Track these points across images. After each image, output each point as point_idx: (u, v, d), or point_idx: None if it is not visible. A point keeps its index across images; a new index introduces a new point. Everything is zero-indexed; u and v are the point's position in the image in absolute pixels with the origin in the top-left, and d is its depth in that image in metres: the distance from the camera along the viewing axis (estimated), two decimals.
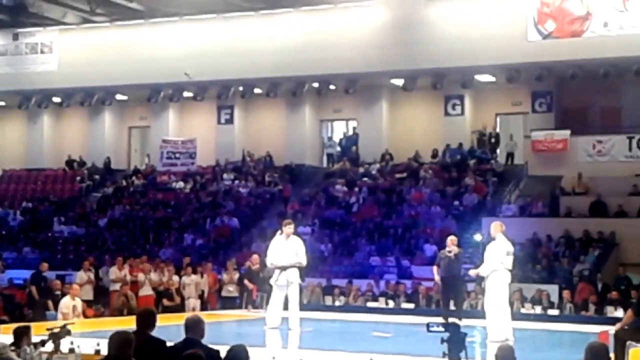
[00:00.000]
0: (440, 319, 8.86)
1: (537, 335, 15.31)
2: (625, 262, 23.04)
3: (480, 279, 16.44)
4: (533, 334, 14.85)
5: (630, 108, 28.58)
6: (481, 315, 15.80)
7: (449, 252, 17.94)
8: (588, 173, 26.78)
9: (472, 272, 15.36)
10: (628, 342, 9.75)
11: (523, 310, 19.50)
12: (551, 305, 20.38)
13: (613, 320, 13.83)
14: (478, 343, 14.19)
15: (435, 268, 18.56)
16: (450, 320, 11.75)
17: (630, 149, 26.93)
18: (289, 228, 16.02)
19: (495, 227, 14.72)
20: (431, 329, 7.35)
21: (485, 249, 15.22)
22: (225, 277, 22.38)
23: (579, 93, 29.03)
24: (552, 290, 21.20)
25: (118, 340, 7.48)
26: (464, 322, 16.23)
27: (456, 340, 7.21)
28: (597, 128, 28.83)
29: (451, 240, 18.26)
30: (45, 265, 21.94)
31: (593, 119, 29.51)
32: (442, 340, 7.23)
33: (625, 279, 21.94)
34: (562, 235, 24.40)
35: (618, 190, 25.78)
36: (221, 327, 16.64)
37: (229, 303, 21.86)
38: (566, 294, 20.72)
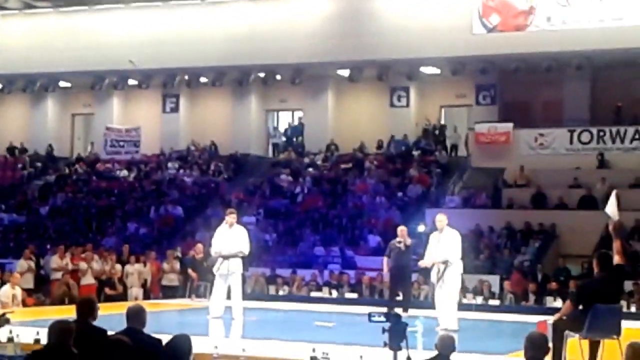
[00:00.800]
0: (382, 309, 8.93)
1: (478, 325, 15.49)
2: (565, 254, 23.38)
3: (425, 270, 16.55)
4: (474, 324, 15.03)
5: (571, 102, 29.00)
6: (425, 305, 15.99)
7: (399, 242, 18.07)
8: (530, 165, 27.13)
9: (436, 261, 15.01)
10: (566, 332, 9.91)
11: (465, 301, 19.67)
12: (492, 295, 20.63)
13: (552, 311, 14.05)
14: (420, 333, 14.33)
15: (385, 259, 18.69)
16: (394, 310, 11.86)
17: (571, 142, 27.36)
18: (231, 217, 16.04)
19: (445, 218, 14.91)
20: (372, 318, 7.39)
21: (428, 240, 15.38)
22: (166, 266, 22.28)
23: (522, 86, 29.38)
24: (494, 280, 21.46)
25: (58, 330, 7.41)
26: (410, 313, 16.44)
27: (397, 330, 7.26)
28: (540, 121, 29.22)
29: (401, 230, 18.41)
30: None
31: (535, 112, 29.90)
32: (384, 330, 7.28)
33: (565, 270, 22.29)
34: (504, 227, 24.70)
35: (559, 182, 26.16)
36: (164, 317, 16.57)
37: (170, 292, 21.78)
38: (507, 284, 20.99)
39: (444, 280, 14.68)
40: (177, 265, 22.19)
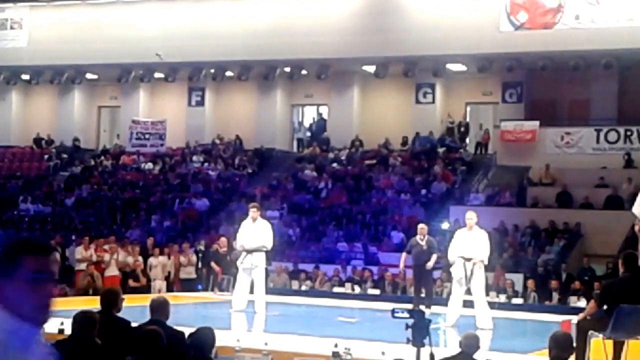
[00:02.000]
0: (405, 305, 8.91)
1: (501, 324, 15.43)
2: (589, 253, 23.25)
3: (447, 267, 16.55)
4: (497, 322, 14.97)
5: (598, 101, 28.81)
6: (446, 302, 15.94)
7: (420, 240, 18.05)
8: (556, 164, 26.98)
9: (465, 258, 15.01)
10: (590, 332, 9.85)
11: (487, 299, 19.62)
12: (515, 294, 20.54)
13: (576, 310, 13.98)
14: (443, 330, 14.30)
15: (403, 255, 18.68)
16: (420, 307, 11.81)
17: (597, 142, 27.20)
18: (253, 212, 16.07)
19: (475, 216, 14.85)
20: (396, 314, 7.36)
21: (452, 237, 15.34)
22: (183, 259, 22.36)
23: (548, 85, 29.20)
24: (517, 279, 21.38)
25: (82, 320, 7.45)
26: (434, 310, 16.42)
27: (420, 327, 7.22)
28: (566, 120, 29.05)
29: (421, 228, 18.38)
30: None
31: (562, 110, 29.72)
32: (407, 326, 7.25)
33: (589, 269, 22.16)
34: (529, 226, 24.58)
35: (585, 182, 25.99)
36: (187, 309, 16.63)
37: (187, 285, 21.86)
38: (530, 283, 20.90)
39: (475, 279, 14.62)
40: (194, 258, 22.28)
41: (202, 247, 23.05)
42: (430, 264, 17.95)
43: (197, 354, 7.25)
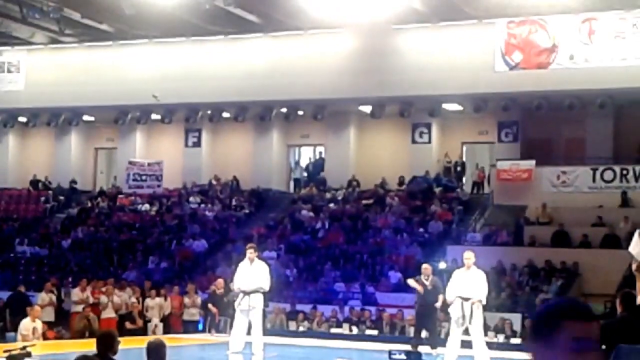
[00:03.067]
0: (403, 346, 8.89)
1: None
2: (587, 293, 23.18)
3: (446, 307, 16.48)
4: None
5: (594, 140, 28.90)
6: (444, 342, 15.86)
7: (425, 279, 18.00)
8: (552, 203, 27.00)
9: (464, 298, 15.00)
10: None
11: (486, 339, 19.53)
12: (514, 334, 20.45)
13: None
14: None
15: (413, 281, 18.39)
16: (422, 349, 11.75)
17: (594, 180, 27.25)
18: (250, 252, 16.03)
19: (473, 256, 14.84)
20: (393, 356, 7.36)
21: (450, 277, 15.31)
22: (187, 300, 22.28)
23: (544, 124, 29.31)
24: (515, 319, 21.29)
25: None
26: (440, 351, 16.30)
27: None
28: (562, 159, 29.12)
29: (425, 269, 18.32)
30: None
31: (558, 149, 29.80)
32: None
33: None
34: (526, 265, 24.55)
35: (581, 220, 25.99)
36: (184, 351, 16.53)
37: (191, 327, 21.77)
38: (528, 323, 20.80)
39: (473, 319, 14.56)
40: (199, 300, 22.20)
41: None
42: (438, 304, 17.85)
43: None
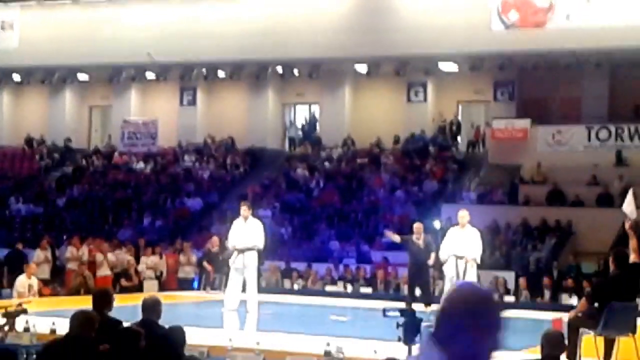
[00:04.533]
0: (398, 304, 8.95)
1: None
2: (581, 251, 23.31)
3: (439, 265, 16.58)
4: None
5: (590, 99, 28.87)
6: (438, 300, 15.97)
7: (417, 239, 18.05)
8: (547, 162, 27.03)
9: (458, 256, 15.06)
10: (581, 329, 9.89)
11: None
12: (507, 292, 20.58)
13: (567, 308, 14.02)
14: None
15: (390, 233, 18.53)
16: (416, 306, 11.78)
17: (589, 140, 27.26)
18: (244, 210, 16.06)
19: (467, 215, 14.87)
20: (387, 313, 7.40)
21: (444, 235, 15.38)
22: (182, 258, 22.35)
23: (540, 83, 29.25)
24: (509, 277, 21.42)
25: (81, 319, 7.44)
26: (433, 307, 16.38)
27: (411, 326, 7.26)
28: (557, 118, 29.10)
29: (417, 227, 18.36)
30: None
31: (553, 109, 29.77)
32: (398, 325, 7.29)
33: (580, 267, 22.23)
34: (520, 224, 24.63)
35: (576, 179, 26.04)
36: (179, 309, 16.62)
37: (186, 284, 21.87)
38: (522, 281, 20.94)
39: (467, 277, 14.64)
40: (194, 258, 22.27)
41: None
42: (431, 262, 17.86)
43: (170, 352, 7.25)
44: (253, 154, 31.97)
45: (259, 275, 17.98)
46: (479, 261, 14.84)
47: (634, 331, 10.06)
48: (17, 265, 19.88)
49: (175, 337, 7.32)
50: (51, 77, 32.64)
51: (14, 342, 10.00)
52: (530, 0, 26.69)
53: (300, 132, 33.08)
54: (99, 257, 21.55)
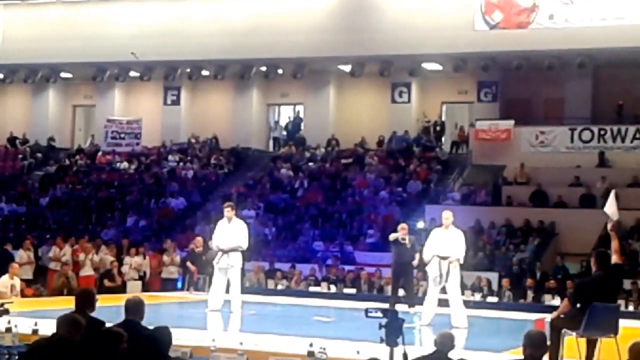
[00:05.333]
0: (381, 305, 8.95)
1: (476, 323, 15.49)
2: (564, 252, 23.40)
3: (423, 265, 16.60)
4: (472, 321, 15.02)
5: (573, 100, 29.01)
6: (421, 301, 15.99)
7: (403, 239, 18.08)
8: (530, 163, 27.14)
9: (441, 257, 15.02)
10: (563, 330, 9.92)
11: (463, 298, 19.69)
12: (491, 292, 20.64)
13: (550, 309, 14.07)
14: (418, 329, 14.34)
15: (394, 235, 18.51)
16: (399, 307, 11.79)
17: (572, 141, 27.39)
18: (227, 211, 16.05)
19: (451, 216, 14.89)
20: (369, 314, 7.40)
21: (428, 236, 15.39)
22: (166, 258, 22.30)
23: (523, 84, 29.36)
24: (493, 277, 21.47)
25: (68, 322, 7.42)
26: (417, 309, 16.42)
27: (394, 326, 7.27)
28: (541, 119, 29.22)
29: (402, 228, 18.40)
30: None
31: (537, 110, 29.89)
32: (380, 326, 7.29)
33: (564, 268, 22.31)
34: (504, 224, 24.71)
35: (559, 180, 26.17)
36: (162, 309, 16.58)
37: (169, 285, 21.81)
38: (505, 281, 21.00)
39: (451, 278, 14.66)
40: (177, 258, 22.23)
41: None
42: (415, 262, 17.98)
43: (155, 353, 7.23)
44: (237, 154, 31.95)
45: (243, 275, 17.96)
46: (462, 261, 14.86)
47: (615, 332, 10.10)
48: (3, 265, 19.79)
49: (161, 337, 7.30)
50: (34, 76, 32.51)
51: None
52: (514, 1, 26.79)
53: (284, 132, 33.07)
54: (82, 257, 21.47)
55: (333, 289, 21.60)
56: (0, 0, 32.76)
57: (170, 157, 32.20)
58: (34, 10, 32.65)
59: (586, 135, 27.29)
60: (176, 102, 34.07)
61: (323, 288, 21.65)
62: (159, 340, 7.25)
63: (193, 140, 33.03)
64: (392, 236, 18.43)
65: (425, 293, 16.24)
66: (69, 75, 34.00)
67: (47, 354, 7.25)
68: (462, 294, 18.37)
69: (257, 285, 21.94)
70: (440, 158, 29.36)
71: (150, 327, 7.99)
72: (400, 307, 15.35)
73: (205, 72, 31.24)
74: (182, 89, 33.78)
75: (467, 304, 16.35)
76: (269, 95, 33.45)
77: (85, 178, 31.60)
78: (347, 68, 29.95)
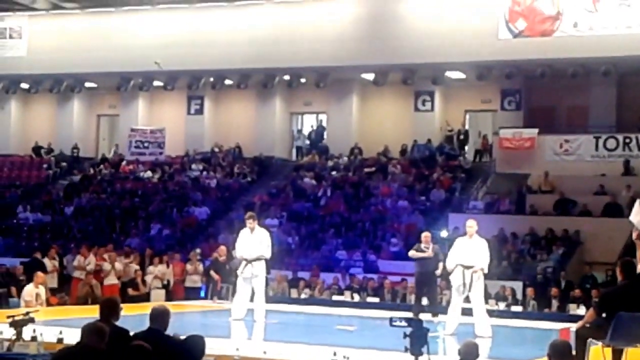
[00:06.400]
0: (404, 314, 8.93)
1: (500, 332, 15.42)
2: (589, 261, 23.25)
3: (446, 274, 16.55)
4: (496, 330, 14.95)
5: (597, 108, 28.84)
6: (445, 310, 15.93)
7: (425, 248, 18.03)
8: (554, 172, 26.99)
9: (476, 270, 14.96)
10: (589, 340, 9.84)
11: (487, 307, 19.60)
12: (515, 302, 20.53)
13: (575, 318, 13.98)
14: (442, 338, 14.29)
15: (413, 251, 18.47)
16: (423, 316, 11.76)
17: (596, 149, 27.22)
18: (249, 222, 16.03)
19: (475, 225, 14.82)
20: (394, 323, 7.38)
21: (452, 244, 15.33)
22: (189, 267, 22.35)
23: (547, 92, 29.24)
24: (517, 286, 21.36)
25: (92, 330, 7.44)
26: (440, 318, 16.37)
27: (418, 336, 7.25)
28: (565, 127, 29.08)
29: (425, 237, 18.36)
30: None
31: (561, 118, 29.76)
32: (405, 335, 7.27)
33: (589, 277, 22.15)
34: (528, 233, 24.58)
35: (584, 189, 26.00)
36: (186, 318, 16.61)
37: (193, 293, 21.85)
38: (530, 291, 20.88)
39: (474, 287, 14.59)
40: (201, 267, 22.27)
41: (198, 256, 23.02)
42: (439, 271, 17.94)
43: None
44: (260, 162, 32.00)
45: (266, 284, 17.96)
46: (486, 271, 14.79)
47: None
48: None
49: (194, 346, 7.30)
50: (59, 86, 32.71)
51: (21, 352, 10.00)
52: (538, 9, 26.68)
53: (307, 141, 33.09)
54: (106, 266, 21.57)
55: (356, 297, 21.57)
56: (26, 11, 33.02)
57: (193, 166, 32.30)
58: (59, 21, 32.89)
59: (611, 143, 27.12)
60: (199, 112, 34.19)
61: (346, 297, 21.62)
62: (192, 349, 7.26)
63: (216, 150, 33.12)
64: (411, 254, 18.41)
65: (448, 302, 16.18)
66: (93, 85, 34.21)
67: None
68: (486, 303, 18.33)
69: (280, 294, 21.94)
70: (464, 167, 29.27)
71: (171, 335, 8.01)
72: (423, 316, 15.30)
73: (228, 82, 31.33)
74: (205, 98, 33.90)
75: (491, 313, 16.28)
76: (292, 104, 33.50)
77: (109, 187, 31.76)
78: (370, 77, 29.94)
